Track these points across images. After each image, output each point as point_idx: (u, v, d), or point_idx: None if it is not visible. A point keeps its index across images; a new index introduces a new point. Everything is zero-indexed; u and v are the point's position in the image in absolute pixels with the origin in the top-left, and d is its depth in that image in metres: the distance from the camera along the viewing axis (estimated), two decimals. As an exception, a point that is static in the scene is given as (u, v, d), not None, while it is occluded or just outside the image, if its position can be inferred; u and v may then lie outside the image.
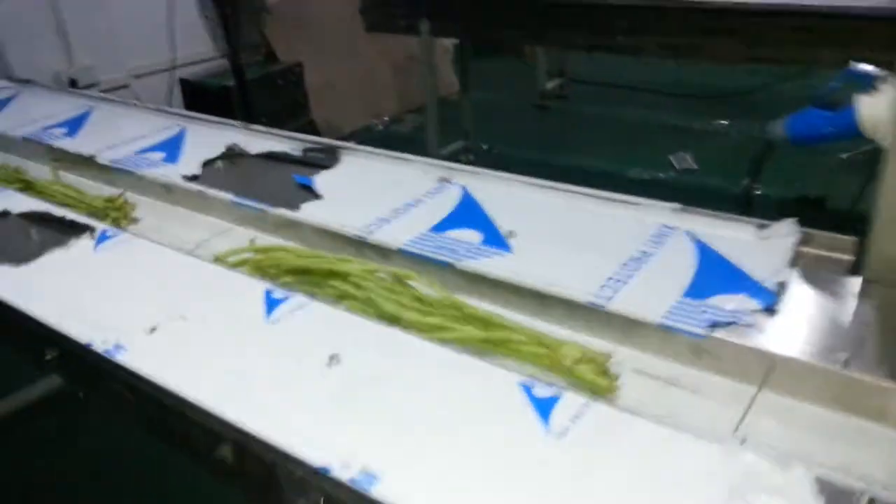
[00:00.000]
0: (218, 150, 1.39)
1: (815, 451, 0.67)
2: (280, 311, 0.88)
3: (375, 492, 0.61)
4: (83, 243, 1.10)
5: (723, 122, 3.67)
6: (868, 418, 0.71)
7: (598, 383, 0.76)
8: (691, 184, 3.22)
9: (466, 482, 0.63)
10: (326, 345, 0.80)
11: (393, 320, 0.88)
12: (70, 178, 1.39)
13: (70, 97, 1.90)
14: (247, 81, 2.95)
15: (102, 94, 2.03)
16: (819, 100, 0.94)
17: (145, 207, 1.27)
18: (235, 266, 1.04)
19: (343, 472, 0.63)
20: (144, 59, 3.35)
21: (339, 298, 0.95)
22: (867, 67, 0.91)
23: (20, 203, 1.25)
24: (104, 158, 1.37)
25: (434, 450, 0.67)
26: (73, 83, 3.03)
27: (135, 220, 1.23)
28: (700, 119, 3.71)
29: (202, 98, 3.41)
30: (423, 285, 0.92)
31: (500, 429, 0.68)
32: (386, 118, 4.14)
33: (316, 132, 3.84)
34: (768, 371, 0.76)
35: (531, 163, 3.63)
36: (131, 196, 1.28)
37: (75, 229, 1.13)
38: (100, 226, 1.14)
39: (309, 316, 0.87)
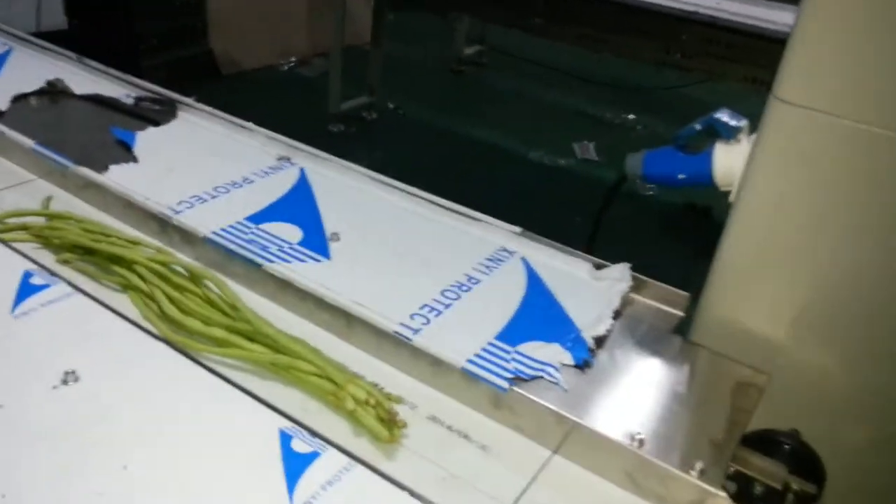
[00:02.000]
0: (39, 83, 1.21)
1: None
2: (32, 301, 0.75)
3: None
4: None
5: (630, 116, 3.66)
6: (652, 501, 0.66)
7: (379, 432, 0.67)
8: (589, 174, 3.20)
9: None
10: (68, 356, 0.68)
11: (174, 326, 0.77)
12: None
13: None
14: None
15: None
16: (678, 140, 0.88)
17: None
18: (11, 230, 0.90)
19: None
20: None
21: (124, 289, 0.83)
22: (731, 115, 0.85)
23: None
24: None
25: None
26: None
27: None
28: (609, 109, 3.68)
29: (86, 8, 3.09)
30: (218, 288, 0.80)
31: (239, 489, 0.58)
32: (293, 59, 3.91)
33: (213, 63, 3.58)
34: (565, 436, 0.70)
35: (436, 129, 3.53)
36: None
37: None
38: None
39: (63, 314, 0.74)
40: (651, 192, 2.89)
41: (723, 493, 0.63)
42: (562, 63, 3.73)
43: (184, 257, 0.87)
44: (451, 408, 0.74)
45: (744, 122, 0.83)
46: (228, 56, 3.60)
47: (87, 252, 0.87)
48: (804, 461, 0.75)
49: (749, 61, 2.07)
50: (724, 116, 0.85)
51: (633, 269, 0.87)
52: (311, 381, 0.72)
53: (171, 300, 0.79)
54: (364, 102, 3.43)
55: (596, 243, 1.29)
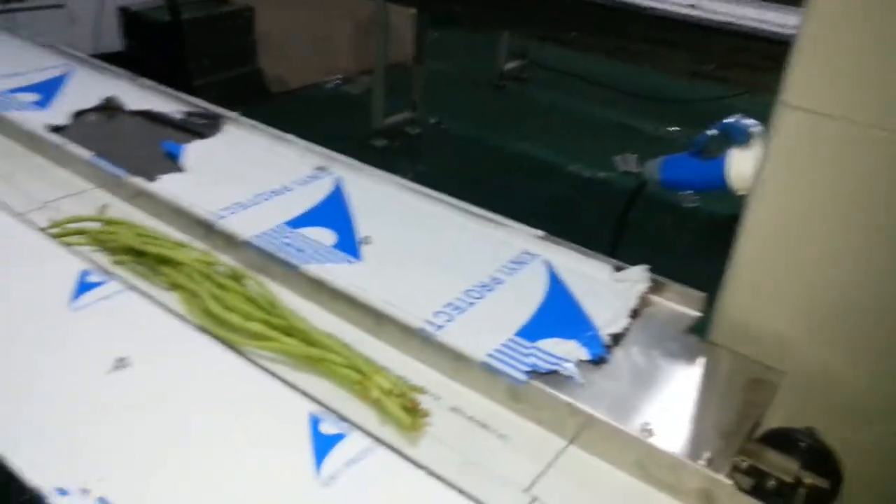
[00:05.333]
0: (97, 100, 1.30)
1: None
2: (88, 297, 0.82)
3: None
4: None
5: (674, 128, 3.65)
6: (664, 490, 0.69)
7: (403, 420, 0.72)
8: (628, 186, 3.19)
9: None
10: (120, 346, 0.74)
11: (218, 321, 0.82)
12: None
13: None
14: (183, 20, 2.80)
15: None
16: (694, 146, 0.90)
17: (2, 151, 1.17)
18: (71, 234, 0.97)
19: (79, 499, 0.58)
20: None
21: (172, 288, 0.89)
22: (746, 120, 0.87)
23: None
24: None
25: (192, 479, 0.62)
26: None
27: None
28: (650, 121, 3.68)
29: (141, 31, 3.25)
30: (258, 286, 0.86)
31: (270, 463, 0.64)
32: (338, 77, 4.02)
33: (262, 82, 3.71)
34: (580, 427, 0.73)
35: (477, 142, 3.58)
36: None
37: None
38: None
39: (116, 308, 0.81)
40: (696, 204, 2.89)
41: (729, 482, 0.65)
42: (602, 76, 3.75)
43: (228, 259, 0.93)
44: (472, 400, 0.78)
45: (757, 127, 0.86)
46: (276, 75, 3.73)
47: (139, 254, 0.94)
48: (820, 458, 0.76)
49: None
50: (737, 122, 0.87)
51: (668, 274, 0.89)
52: (341, 371, 0.77)
53: (215, 297, 0.85)
54: (407, 118, 3.51)
55: (639, 254, 1.31)
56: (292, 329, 0.81)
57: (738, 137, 0.85)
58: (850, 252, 0.76)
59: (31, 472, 0.60)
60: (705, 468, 0.66)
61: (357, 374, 0.76)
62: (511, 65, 4.18)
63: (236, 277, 0.88)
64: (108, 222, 1.00)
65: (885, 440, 0.80)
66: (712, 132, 0.88)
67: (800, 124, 0.73)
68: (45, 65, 1.43)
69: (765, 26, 2.09)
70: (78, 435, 0.64)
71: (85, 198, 1.09)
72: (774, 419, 0.78)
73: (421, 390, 0.76)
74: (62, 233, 0.97)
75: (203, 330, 0.81)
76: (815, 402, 0.82)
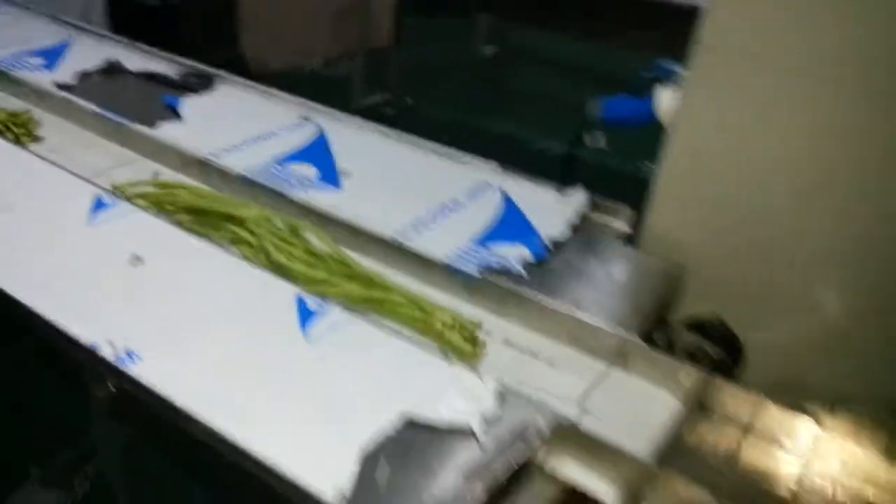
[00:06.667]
0: (99, 63, 1.43)
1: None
2: (105, 215, 0.96)
3: (135, 370, 0.70)
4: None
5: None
6: (586, 352, 0.84)
7: (463, 348, 0.79)
8: (597, 162, 3.35)
9: (217, 369, 0.72)
10: (134, 248, 0.88)
11: (282, 270, 0.90)
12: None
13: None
14: (169, 3, 2.91)
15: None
16: (631, 87, 1.05)
17: (52, 127, 1.25)
18: (134, 198, 1.03)
19: (108, 350, 0.72)
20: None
21: (233, 243, 0.96)
22: (672, 64, 1.02)
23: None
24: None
25: (200, 339, 0.76)
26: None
27: (38, 139, 1.21)
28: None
29: (127, 13, 3.35)
30: (317, 238, 0.94)
31: (264, 329, 0.78)
32: (319, 61, 4.14)
33: (244, 66, 3.82)
34: (522, 310, 0.88)
35: (453, 124, 3.72)
36: (39, 114, 1.25)
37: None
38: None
39: (127, 222, 0.95)
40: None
41: (640, 341, 0.80)
42: (580, 60, 3.88)
43: (227, 190, 1.07)
44: (522, 335, 0.87)
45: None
46: (258, 59, 3.84)
47: (200, 213, 1.00)
48: (725, 338, 0.92)
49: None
50: (668, 65, 1.02)
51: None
52: (403, 311, 0.83)
53: (279, 249, 0.92)
54: (384, 99, 3.65)
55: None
56: (354, 275, 0.88)
57: (667, 78, 1.00)
58: (750, 172, 0.91)
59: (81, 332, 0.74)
60: (622, 332, 0.81)
61: (420, 313, 0.83)
62: (488, 48, 4.32)
63: (294, 230, 0.95)
64: (165, 186, 1.07)
65: (779, 337, 0.96)
66: (645, 75, 1.03)
67: (712, 59, 0.88)
68: (49, 33, 1.55)
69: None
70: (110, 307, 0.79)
71: (135, 167, 1.16)
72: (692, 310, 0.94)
73: (477, 325, 0.83)
74: (123, 196, 1.03)
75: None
76: (719, 300, 0.97)
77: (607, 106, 1.11)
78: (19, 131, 1.20)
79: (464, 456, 0.64)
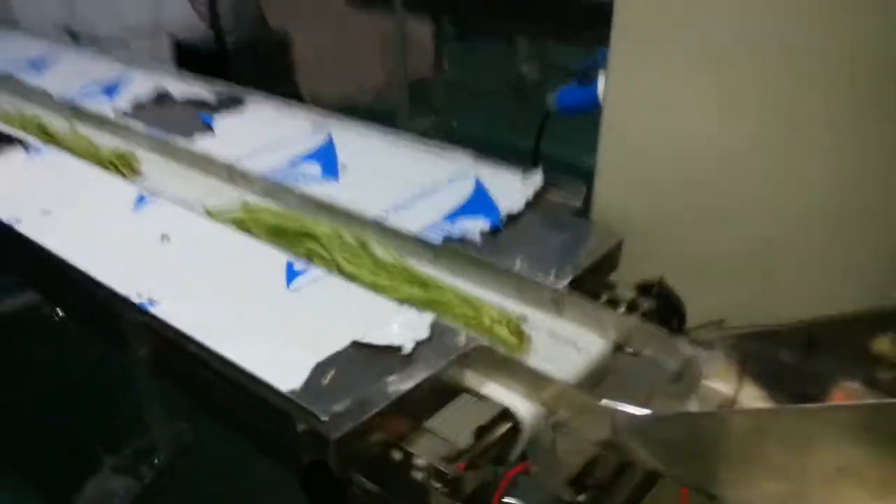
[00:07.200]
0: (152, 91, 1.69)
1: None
2: (145, 207, 1.18)
3: (154, 310, 0.91)
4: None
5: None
6: (534, 306, 0.99)
7: (511, 341, 0.90)
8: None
9: (219, 311, 0.92)
10: (162, 229, 1.10)
11: (352, 278, 1.02)
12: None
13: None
14: (228, 47, 3.22)
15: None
16: (580, 75, 1.20)
17: (150, 164, 1.43)
18: (226, 221, 1.18)
19: (136, 298, 0.93)
20: (143, 14, 3.64)
21: (309, 256, 1.08)
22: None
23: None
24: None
25: (204, 290, 0.96)
26: (73, 35, 3.32)
27: (139, 174, 1.39)
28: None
29: (191, 59, 3.69)
30: (382, 249, 1.09)
31: (256, 282, 0.98)
32: (371, 93, 4.41)
33: (300, 101, 4.11)
34: (483, 273, 1.04)
35: (496, 143, 3.89)
36: (139, 152, 1.44)
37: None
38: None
39: (160, 211, 1.17)
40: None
41: (573, 291, 0.95)
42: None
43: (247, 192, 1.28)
44: (476, 291, 1.01)
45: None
46: (313, 96, 4.13)
47: (277, 233, 1.14)
48: (666, 298, 1.05)
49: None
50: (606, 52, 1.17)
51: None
52: (457, 310, 0.95)
53: (348, 261, 1.05)
54: (430, 123, 3.87)
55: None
56: (413, 280, 1.02)
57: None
58: (674, 145, 1.05)
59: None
60: (554, 282, 0.96)
61: (471, 310, 0.94)
62: (530, 68, 4.49)
63: (363, 244, 1.10)
64: (250, 211, 1.22)
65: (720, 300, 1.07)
66: (590, 63, 1.17)
67: (626, 42, 1.03)
68: (108, 69, 1.83)
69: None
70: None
71: (223, 195, 1.29)
72: (633, 274, 1.07)
73: (522, 320, 0.95)
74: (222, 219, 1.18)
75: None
76: (663, 264, 1.09)
77: (560, 95, 1.26)
78: (124, 170, 1.37)
79: (393, 366, 0.81)
